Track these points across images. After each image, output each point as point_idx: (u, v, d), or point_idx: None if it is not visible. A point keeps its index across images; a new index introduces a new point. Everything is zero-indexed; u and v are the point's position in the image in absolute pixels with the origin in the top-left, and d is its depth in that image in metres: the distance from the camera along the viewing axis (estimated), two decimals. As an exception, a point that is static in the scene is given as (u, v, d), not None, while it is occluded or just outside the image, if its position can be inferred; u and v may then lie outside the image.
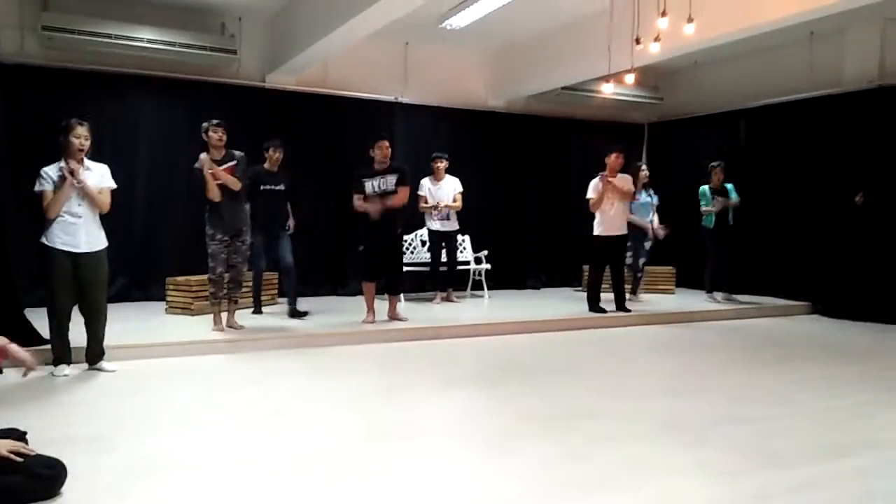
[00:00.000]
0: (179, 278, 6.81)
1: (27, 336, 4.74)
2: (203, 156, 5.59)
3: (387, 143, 6.32)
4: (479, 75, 9.68)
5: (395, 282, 6.63)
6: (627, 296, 7.92)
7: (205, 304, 6.39)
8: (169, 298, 6.82)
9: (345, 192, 8.56)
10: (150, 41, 7.29)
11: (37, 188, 4.54)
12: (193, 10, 7.78)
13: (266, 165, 6.53)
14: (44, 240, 4.53)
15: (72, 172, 4.52)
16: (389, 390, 4.42)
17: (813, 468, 3.06)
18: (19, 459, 2.55)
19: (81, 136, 4.57)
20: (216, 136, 5.65)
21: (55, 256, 4.50)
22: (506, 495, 2.72)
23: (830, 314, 7.92)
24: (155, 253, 7.60)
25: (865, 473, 3.01)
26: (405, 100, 9.06)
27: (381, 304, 6.61)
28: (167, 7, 7.60)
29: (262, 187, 6.50)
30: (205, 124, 5.72)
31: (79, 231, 4.55)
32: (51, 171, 4.55)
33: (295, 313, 6.47)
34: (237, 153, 5.77)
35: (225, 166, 5.65)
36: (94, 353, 4.75)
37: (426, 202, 7.95)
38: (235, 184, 5.62)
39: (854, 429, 3.68)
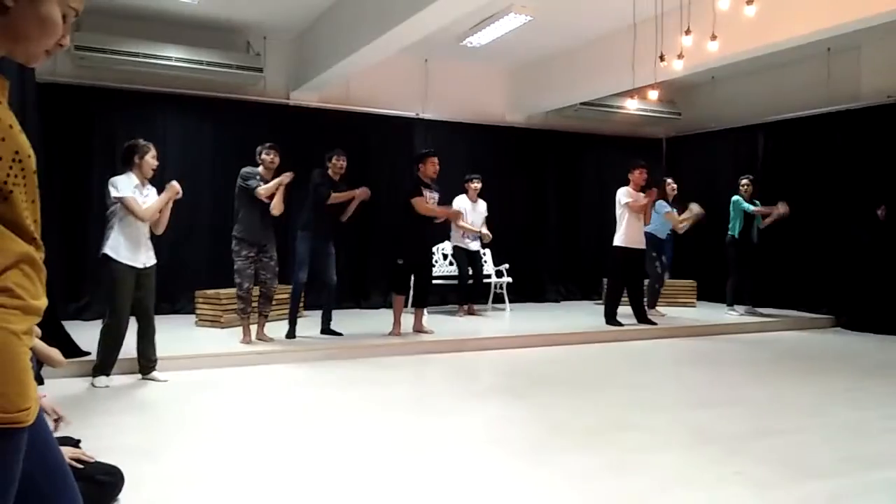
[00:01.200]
0: (209, 291, 6.93)
1: (66, 347, 4.85)
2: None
3: (436, 160, 6.55)
4: (499, 91, 9.81)
5: (424, 295, 6.75)
6: (664, 309, 8.09)
7: (234, 317, 6.51)
8: (199, 311, 6.94)
9: (369, 207, 8.69)
10: (178, 60, 7.48)
11: (115, 195, 4.57)
12: (220, 30, 7.96)
13: (330, 173, 6.34)
14: (110, 252, 4.59)
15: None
16: (422, 401, 4.49)
17: (848, 479, 3.11)
18: (80, 466, 2.65)
19: (154, 156, 4.74)
20: (269, 158, 5.82)
21: (122, 271, 4.61)
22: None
23: (853, 327, 7.93)
24: (183, 267, 7.72)
25: (902, 485, 3.06)
26: (426, 115, 9.19)
27: (405, 318, 6.70)
28: (195, 27, 7.79)
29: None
30: (259, 147, 5.90)
31: (140, 246, 4.69)
32: (129, 182, 4.63)
33: (328, 331, 6.43)
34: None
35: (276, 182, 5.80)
36: (149, 364, 4.90)
37: (463, 219, 7.88)
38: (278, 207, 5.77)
39: (884, 441, 3.72)
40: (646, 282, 7.96)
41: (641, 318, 7.51)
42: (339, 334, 6.37)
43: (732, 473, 3.15)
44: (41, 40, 1.27)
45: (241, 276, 5.75)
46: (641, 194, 7.51)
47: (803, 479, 3.09)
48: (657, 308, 8.30)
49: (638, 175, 7.45)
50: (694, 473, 3.16)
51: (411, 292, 6.87)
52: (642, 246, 7.51)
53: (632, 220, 7.37)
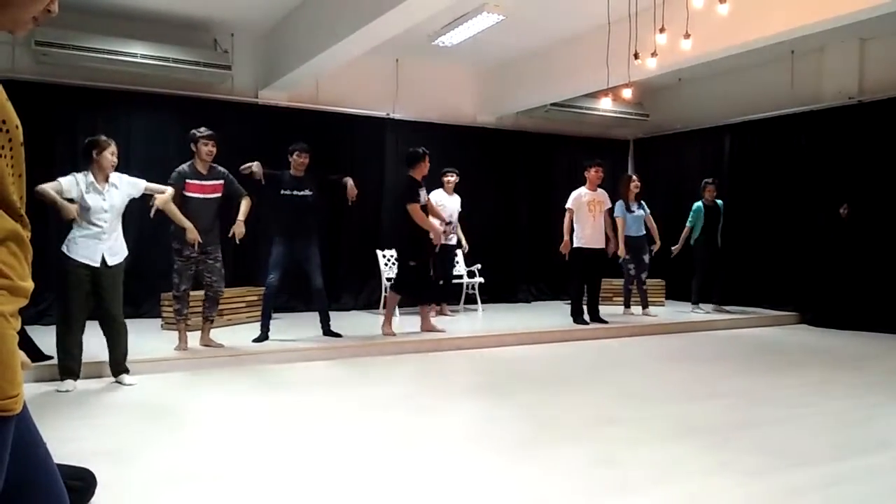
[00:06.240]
0: (175, 294, 6.72)
1: (29, 351, 4.65)
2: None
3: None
4: (470, 91, 9.78)
5: (431, 293, 6.80)
6: (640, 310, 8.20)
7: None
8: (165, 314, 6.74)
9: (339, 207, 8.57)
10: (143, 57, 7.27)
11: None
12: (186, 26, 7.78)
13: (291, 171, 6.13)
14: (64, 249, 4.47)
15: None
16: (405, 400, 4.41)
17: (837, 465, 3.13)
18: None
19: (114, 153, 4.58)
20: (206, 148, 5.41)
21: (73, 268, 4.44)
22: (549, 497, 2.74)
23: (818, 324, 8.08)
24: (146, 269, 7.48)
25: (889, 470, 3.08)
26: (396, 115, 9.12)
27: (373, 318, 6.61)
28: (160, 23, 7.59)
29: (282, 192, 6.04)
30: (194, 132, 5.48)
31: (99, 244, 4.50)
32: (71, 181, 4.48)
33: (329, 333, 6.26)
34: (223, 170, 5.63)
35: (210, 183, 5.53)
36: (117, 368, 4.72)
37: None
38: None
39: (866, 429, 3.77)
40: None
41: (594, 316, 7.53)
42: (339, 335, 6.23)
43: (720, 464, 3.15)
44: (30, 6, 1.19)
45: (179, 276, 5.48)
46: (601, 191, 7.55)
47: (794, 467, 3.09)
48: (648, 308, 8.31)
49: (594, 173, 7.49)
50: (683, 464, 3.14)
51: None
52: (601, 245, 7.52)
53: (585, 220, 7.38)
